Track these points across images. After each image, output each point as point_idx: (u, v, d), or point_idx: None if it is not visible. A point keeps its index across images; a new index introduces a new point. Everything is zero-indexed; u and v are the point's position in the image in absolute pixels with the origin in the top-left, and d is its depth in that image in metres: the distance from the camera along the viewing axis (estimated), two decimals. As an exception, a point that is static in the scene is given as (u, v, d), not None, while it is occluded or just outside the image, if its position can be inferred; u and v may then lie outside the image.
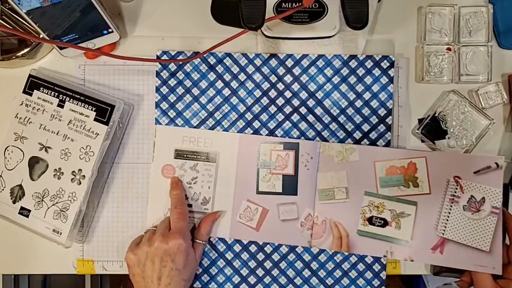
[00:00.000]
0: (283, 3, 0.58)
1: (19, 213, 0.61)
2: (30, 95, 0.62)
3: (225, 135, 0.63)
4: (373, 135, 0.63)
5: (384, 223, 0.61)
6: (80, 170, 0.60)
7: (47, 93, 0.61)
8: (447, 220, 0.60)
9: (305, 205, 0.62)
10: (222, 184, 0.63)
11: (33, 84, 0.62)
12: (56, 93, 0.61)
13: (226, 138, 0.63)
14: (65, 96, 0.61)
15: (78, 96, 0.61)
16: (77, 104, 0.61)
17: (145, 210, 0.63)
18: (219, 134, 0.63)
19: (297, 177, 0.62)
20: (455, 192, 0.60)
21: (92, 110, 0.60)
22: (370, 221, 0.61)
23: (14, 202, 0.61)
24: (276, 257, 0.63)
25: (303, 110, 0.63)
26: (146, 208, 0.63)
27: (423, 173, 0.61)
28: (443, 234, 0.60)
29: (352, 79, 0.63)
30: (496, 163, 0.60)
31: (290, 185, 0.62)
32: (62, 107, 0.61)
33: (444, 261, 0.60)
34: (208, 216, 0.62)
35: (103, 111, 0.60)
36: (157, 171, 0.63)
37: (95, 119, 0.60)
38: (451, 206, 0.60)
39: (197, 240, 0.61)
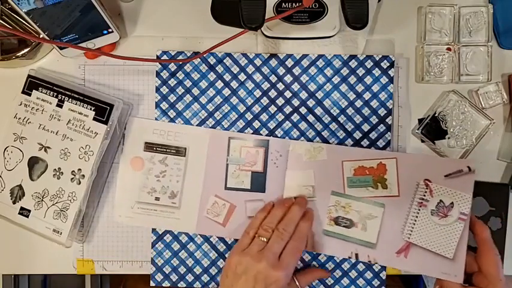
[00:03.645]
0: (283, 3, 0.58)
1: (19, 213, 0.61)
2: (29, 95, 0.62)
3: (195, 130, 0.63)
4: (373, 135, 0.63)
5: (350, 224, 0.61)
6: (79, 169, 0.60)
7: (46, 93, 0.61)
8: (414, 224, 0.59)
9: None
10: (190, 178, 0.62)
11: (32, 84, 0.61)
12: (55, 93, 0.61)
13: (197, 132, 0.63)
14: (63, 96, 0.61)
15: (77, 96, 0.61)
16: (75, 104, 0.61)
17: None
18: (189, 128, 0.63)
19: (265, 174, 0.62)
20: (425, 195, 0.59)
21: (90, 109, 0.60)
22: (336, 221, 0.61)
23: (14, 202, 0.61)
24: (275, 257, 0.63)
25: (303, 110, 0.63)
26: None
27: (393, 175, 0.60)
28: (409, 238, 0.59)
29: (352, 79, 0.63)
30: (468, 167, 0.59)
31: (258, 182, 0.62)
32: (61, 106, 0.61)
33: (408, 266, 0.60)
34: (319, 271, 0.60)
35: (102, 111, 0.60)
36: (126, 163, 0.63)
37: (94, 119, 0.60)
38: (419, 210, 0.59)
39: (296, 283, 0.58)
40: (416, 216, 0.59)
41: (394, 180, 0.60)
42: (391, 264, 0.61)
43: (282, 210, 0.58)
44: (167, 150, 0.62)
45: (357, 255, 0.60)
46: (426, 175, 0.60)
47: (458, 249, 0.58)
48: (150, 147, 0.63)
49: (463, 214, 0.58)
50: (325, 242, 0.61)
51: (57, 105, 0.61)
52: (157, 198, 0.63)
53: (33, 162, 0.61)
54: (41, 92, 0.61)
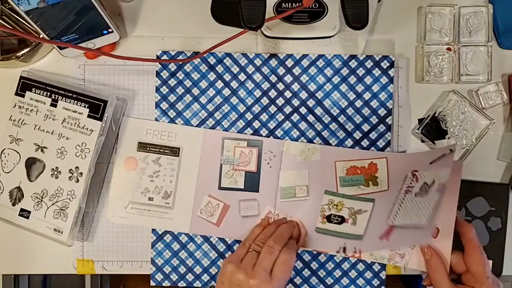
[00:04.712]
0: (283, 3, 0.58)
1: (19, 215, 0.61)
2: (23, 96, 0.61)
3: (189, 130, 0.63)
4: (373, 135, 0.63)
5: (341, 220, 0.61)
6: (77, 167, 0.60)
7: (39, 94, 0.61)
8: (399, 209, 0.60)
9: (266, 202, 0.62)
10: (184, 179, 0.63)
11: (25, 85, 0.61)
12: (48, 93, 0.61)
13: (190, 132, 0.63)
14: (57, 95, 0.61)
15: (70, 94, 0.60)
16: (69, 102, 0.60)
17: (145, 210, 0.63)
18: (183, 128, 0.63)
19: (259, 174, 0.62)
20: (411, 183, 0.60)
21: (84, 107, 0.60)
22: (329, 218, 0.61)
23: (13, 204, 0.61)
24: (275, 257, 0.63)
25: (303, 110, 0.63)
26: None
27: (383, 173, 0.61)
28: (392, 222, 0.60)
29: (352, 79, 0.63)
30: (450, 149, 0.57)
31: (252, 182, 0.62)
32: (55, 106, 0.61)
33: (388, 247, 0.60)
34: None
35: (96, 108, 0.60)
36: (119, 163, 0.63)
37: (89, 116, 0.60)
38: (405, 196, 0.60)
39: None
40: (402, 202, 0.60)
41: (385, 177, 0.61)
42: (374, 249, 0.61)
43: (275, 227, 0.59)
44: (160, 150, 0.62)
45: (344, 248, 0.61)
46: (414, 167, 0.60)
47: (433, 216, 0.56)
48: (143, 147, 0.63)
49: (441, 185, 0.57)
50: (316, 239, 0.61)
51: (51, 104, 0.61)
52: (150, 198, 0.63)
53: (30, 163, 0.61)
54: (34, 92, 0.61)
